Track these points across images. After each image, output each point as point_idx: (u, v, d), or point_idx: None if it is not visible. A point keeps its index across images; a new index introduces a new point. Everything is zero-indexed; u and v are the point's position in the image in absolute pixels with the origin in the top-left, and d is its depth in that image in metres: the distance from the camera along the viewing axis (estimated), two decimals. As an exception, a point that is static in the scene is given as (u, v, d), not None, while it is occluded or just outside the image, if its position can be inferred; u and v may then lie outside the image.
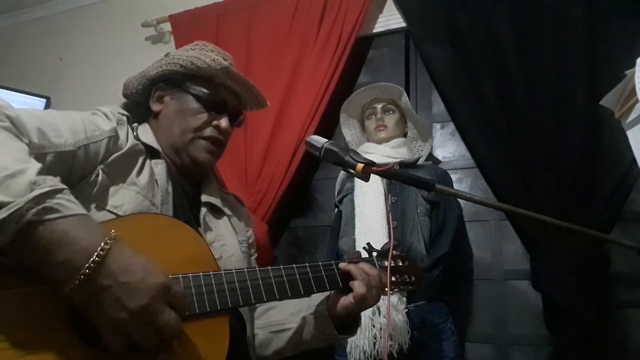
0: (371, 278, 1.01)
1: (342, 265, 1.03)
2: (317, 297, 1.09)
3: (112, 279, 0.67)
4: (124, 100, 1.13)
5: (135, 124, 1.03)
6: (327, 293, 1.07)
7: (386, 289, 1.07)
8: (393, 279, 1.12)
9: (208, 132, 1.06)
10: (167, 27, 2.62)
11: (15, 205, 0.62)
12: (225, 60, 1.08)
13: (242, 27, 2.36)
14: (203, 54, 1.06)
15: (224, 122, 1.06)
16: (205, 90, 1.05)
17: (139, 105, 1.09)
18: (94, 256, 0.66)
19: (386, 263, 1.11)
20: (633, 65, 0.97)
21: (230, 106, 1.10)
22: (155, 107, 1.07)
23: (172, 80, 1.06)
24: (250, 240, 1.21)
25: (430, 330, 1.64)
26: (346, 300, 1.01)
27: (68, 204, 0.68)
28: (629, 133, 1.06)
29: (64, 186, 0.69)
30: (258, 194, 2.15)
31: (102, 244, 0.67)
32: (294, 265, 0.98)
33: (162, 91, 1.07)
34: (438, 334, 1.64)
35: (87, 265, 0.65)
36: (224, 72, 1.06)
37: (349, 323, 1.07)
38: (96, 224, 0.72)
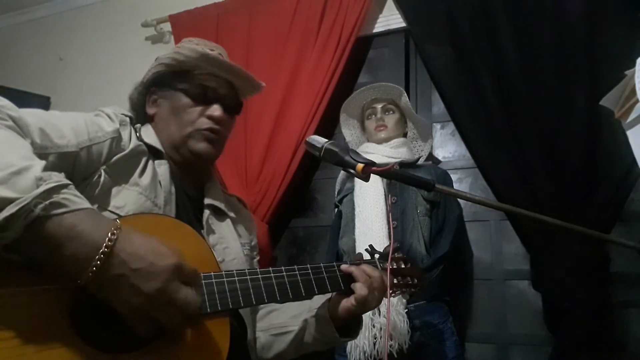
0: (373, 280, 1.01)
1: (343, 267, 1.02)
2: (319, 300, 1.08)
3: (124, 267, 0.68)
4: (124, 100, 1.13)
5: (139, 125, 1.04)
6: (329, 295, 1.06)
7: (388, 290, 1.06)
8: (395, 281, 1.11)
9: (203, 123, 1.05)
10: (167, 27, 2.61)
11: (23, 201, 0.62)
12: (212, 50, 1.07)
13: (242, 27, 2.36)
14: (184, 47, 1.06)
15: (216, 111, 1.05)
16: (191, 83, 1.05)
17: (140, 112, 1.10)
18: (103, 247, 0.67)
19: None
20: (633, 65, 0.96)
21: (222, 95, 1.08)
22: (150, 110, 1.08)
23: (161, 82, 1.07)
24: (252, 243, 1.20)
25: (430, 330, 1.64)
26: (347, 302, 1.00)
27: (74, 198, 0.68)
28: (629, 133, 1.06)
29: (69, 182, 0.70)
30: (258, 194, 2.15)
31: (109, 235, 0.68)
32: (295, 266, 0.97)
33: (155, 94, 1.09)
34: (438, 334, 1.64)
35: (97, 257, 0.66)
36: (203, 60, 1.04)
37: (351, 326, 1.06)
38: (102, 216, 0.73)
